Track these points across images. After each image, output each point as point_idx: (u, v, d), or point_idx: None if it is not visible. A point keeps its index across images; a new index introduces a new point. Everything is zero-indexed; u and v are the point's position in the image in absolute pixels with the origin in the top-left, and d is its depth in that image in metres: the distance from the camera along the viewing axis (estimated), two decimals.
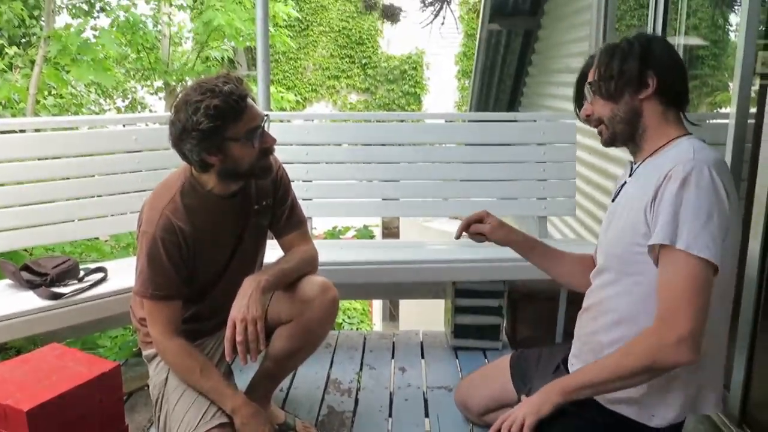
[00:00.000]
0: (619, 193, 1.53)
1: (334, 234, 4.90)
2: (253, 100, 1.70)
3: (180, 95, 1.66)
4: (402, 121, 4.65)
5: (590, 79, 1.52)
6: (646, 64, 1.43)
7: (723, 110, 2.77)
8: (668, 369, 1.33)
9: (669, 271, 1.31)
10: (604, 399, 1.47)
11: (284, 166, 1.96)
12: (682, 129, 1.47)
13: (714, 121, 2.97)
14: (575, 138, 2.96)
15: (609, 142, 1.53)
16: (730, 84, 2.90)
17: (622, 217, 1.45)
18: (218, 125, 1.61)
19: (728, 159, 2.01)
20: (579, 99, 1.60)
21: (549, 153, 2.96)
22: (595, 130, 1.55)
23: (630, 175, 1.52)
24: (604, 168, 3.56)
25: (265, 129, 1.71)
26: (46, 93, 7.90)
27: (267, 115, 1.72)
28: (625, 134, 1.49)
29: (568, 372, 1.61)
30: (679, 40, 2.89)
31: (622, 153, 3.03)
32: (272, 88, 8.84)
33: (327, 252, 2.56)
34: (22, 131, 2.69)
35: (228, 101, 1.61)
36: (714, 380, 1.46)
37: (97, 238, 4.80)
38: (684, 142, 1.42)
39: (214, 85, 1.62)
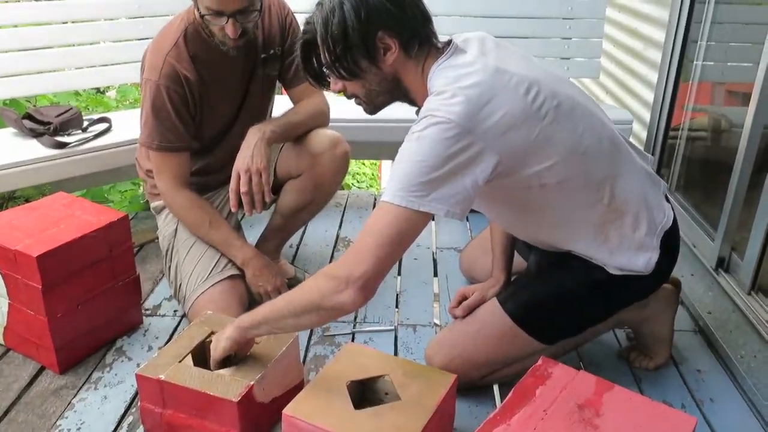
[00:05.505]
0: None
1: None
2: None
3: None
4: None
5: (322, 54, 1.26)
6: (370, 23, 1.18)
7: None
8: (334, 310, 1.20)
9: (371, 218, 1.18)
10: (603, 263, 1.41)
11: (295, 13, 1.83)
12: (433, 57, 1.25)
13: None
14: None
15: (375, 112, 1.35)
16: None
17: None
18: None
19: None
20: (309, 69, 1.37)
21: (576, 8, 2.77)
22: None
23: None
24: (634, 28, 3.35)
25: (233, 22, 1.56)
26: None
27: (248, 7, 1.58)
28: (388, 102, 1.32)
29: None
30: None
31: (656, 11, 2.84)
32: None
33: (338, 107, 2.47)
34: None
35: None
36: (647, 242, 1.38)
37: (102, 92, 4.70)
38: (431, 81, 1.23)
39: None
